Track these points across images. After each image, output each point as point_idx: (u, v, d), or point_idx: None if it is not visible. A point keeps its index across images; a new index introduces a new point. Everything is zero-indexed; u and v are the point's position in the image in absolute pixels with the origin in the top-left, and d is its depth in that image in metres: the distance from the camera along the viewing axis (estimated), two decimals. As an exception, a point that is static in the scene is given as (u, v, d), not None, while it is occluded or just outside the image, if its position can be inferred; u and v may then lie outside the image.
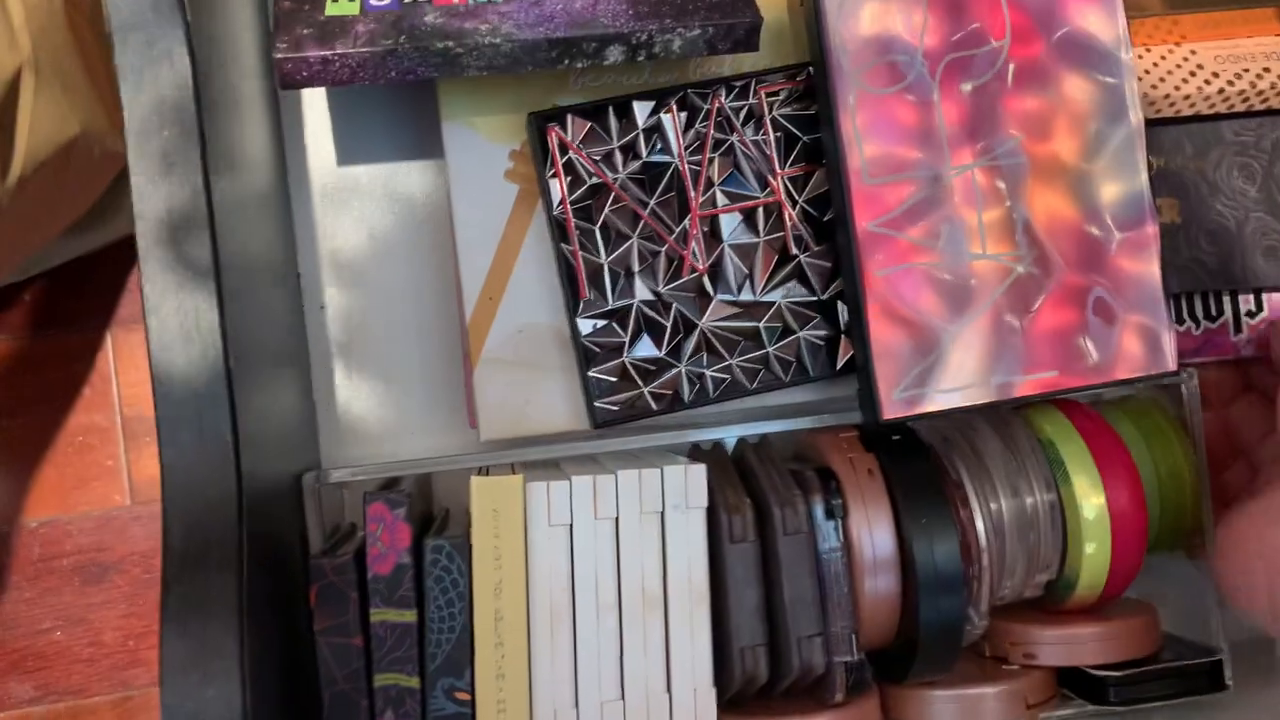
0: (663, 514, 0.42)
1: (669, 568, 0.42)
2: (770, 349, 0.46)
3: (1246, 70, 0.48)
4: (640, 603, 0.42)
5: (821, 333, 0.47)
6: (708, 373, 0.46)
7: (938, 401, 0.44)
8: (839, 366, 0.47)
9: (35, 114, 0.56)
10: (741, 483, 0.44)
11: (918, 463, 0.45)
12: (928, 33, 0.44)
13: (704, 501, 0.42)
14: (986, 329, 0.45)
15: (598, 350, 0.46)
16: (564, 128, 0.45)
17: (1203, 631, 0.50)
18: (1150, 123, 0.47)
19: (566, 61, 0.42)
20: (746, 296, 0.46)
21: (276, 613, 0.38)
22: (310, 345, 0.49)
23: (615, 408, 0.46)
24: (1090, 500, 0.45)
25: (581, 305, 0.45)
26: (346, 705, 0.40)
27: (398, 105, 0.50)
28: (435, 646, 0.40)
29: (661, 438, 0.47)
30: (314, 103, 0.50)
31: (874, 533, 0.43)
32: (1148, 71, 0.48)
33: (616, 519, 0.42)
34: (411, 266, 0.50)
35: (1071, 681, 0.48)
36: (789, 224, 0.46)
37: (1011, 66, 0.45)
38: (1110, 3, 0.45)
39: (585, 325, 0.45)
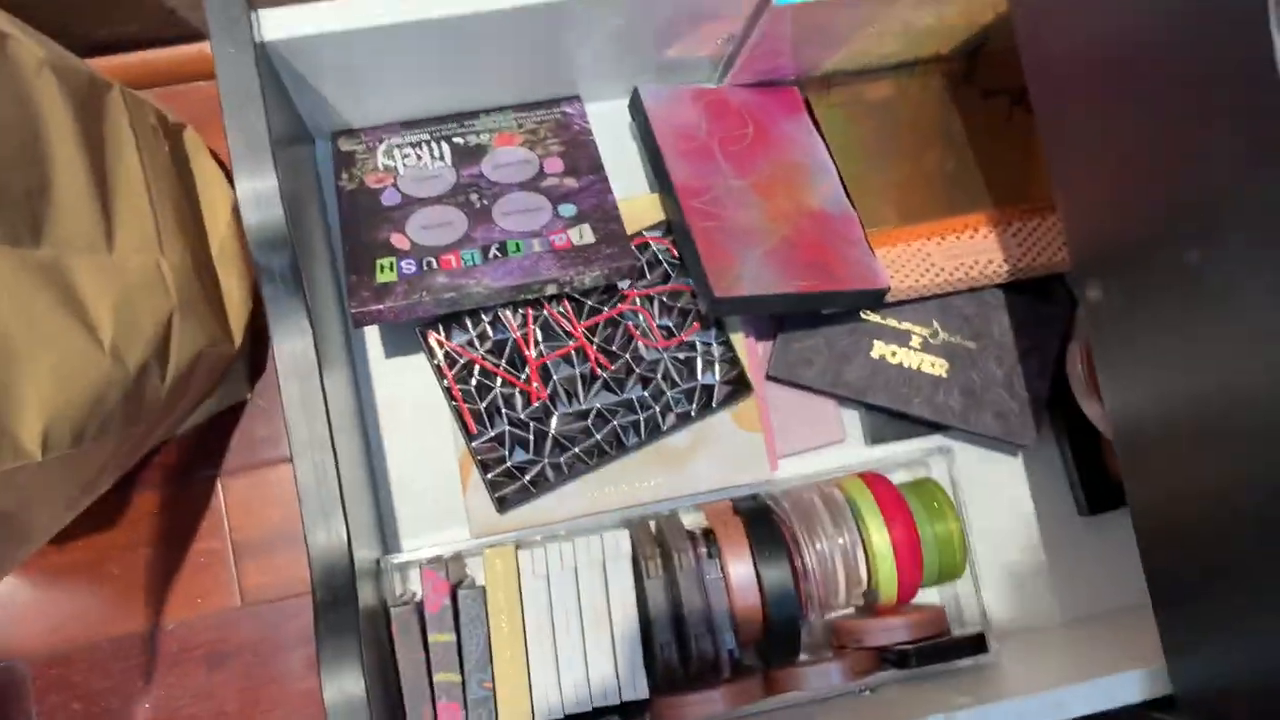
0: (604, 563, 0.68)
1: (610, 597, 0.68)
2: (598, 436, 0.73)
3: (962, 263, 0.75)
4: (594, 620, 0.67)
5: (629, 418, 0.73)
6: (561, 460, 0.72)
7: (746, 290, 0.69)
8: (644, 439, 0.73)
9: (180, 338, 0.83)
10: (656, 541, 0.70)
11: (766, 521, 0.71)
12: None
13: (627, 553, 0.68)
14: (766, 258, 0.71)
15: (489, 463, 0.72)
16: (438, 331, 0.72)
17: (977, 623, 0.75)
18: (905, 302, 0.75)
19: (523, 296, 0.69)
20: (576, 407, 0.73)
21: (374, 640, 0.64)
22: (378, 479, 0.76)
23: (508, 497, 0.71)
24: (880, 536, 0.71)
25: (474, 437, 0.72)
26: (418, 694, 0.65)
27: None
28: (469, 655, 0.65)
29: (609, 515, 0.73)
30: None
31: (739, 566, 0.69)
32: (894, 269, 0.75)
33: (576, 568, 0.67)
34: (425, 422, 0.77)
35: (888, 658, 0.73)
36: (591, 356, 0.73)
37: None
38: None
39: (478, 448, 0.72)
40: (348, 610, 0.60)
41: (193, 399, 0.90)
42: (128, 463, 0.86)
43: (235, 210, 0.91)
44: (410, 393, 0.78)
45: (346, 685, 0.58)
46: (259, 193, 0.60)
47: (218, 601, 0.97)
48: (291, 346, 0.61)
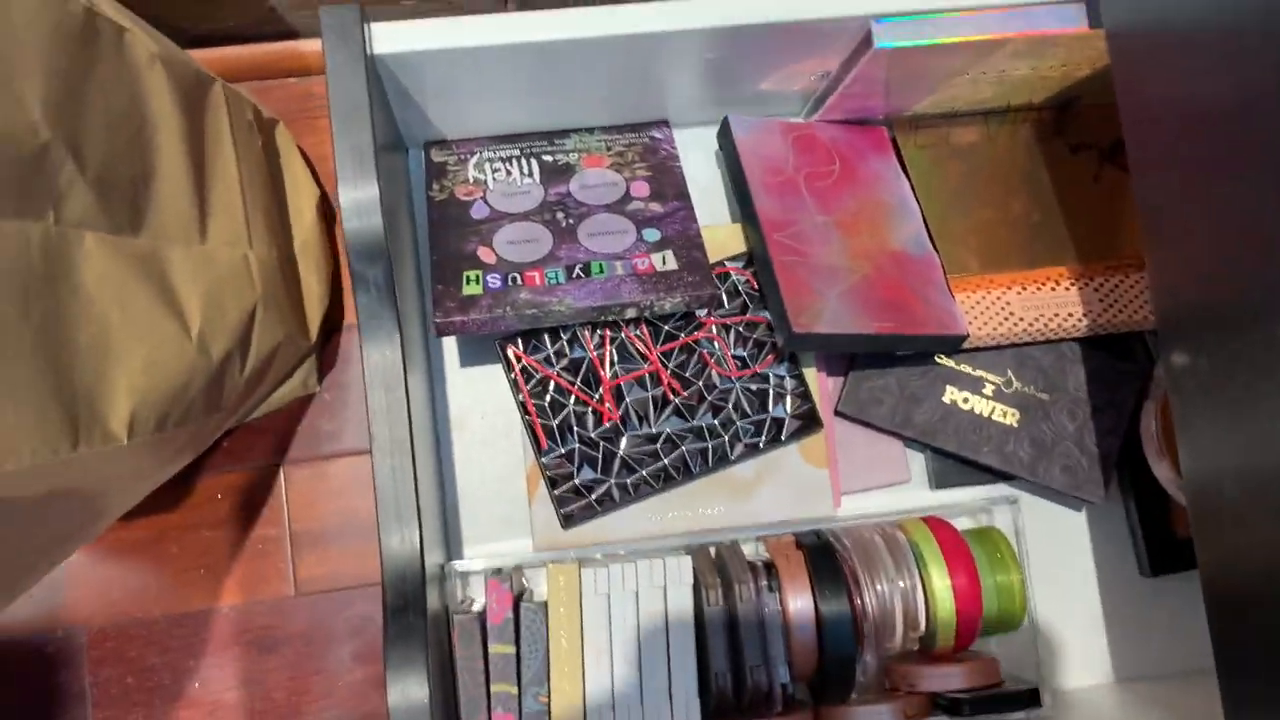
0: (665, 588, 0.68)
1: (669, 622, 0.68)
2: (666, 461, 0.73)
3: (1042, 314, 0.75)
4: (651, 643, 0.68)
5: (697, 445, 0.74)
6: (628, 482, 0.73)
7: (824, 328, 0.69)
8: (710, 467, 0.73)
9: (261, 331, 0.84)
10: (717, 569, 0.71)
11: (829, 558, 0.71)
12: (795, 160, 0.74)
13: (689, 580, 0.68)
14: (846, 296, 0.71)
15: (558, 479, 0.72)
16: (517, 345, 0.73)
17: (1031, 675, 0.74)
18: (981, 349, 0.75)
19: (603, 318, 0.70)
20: (646, 430, 0.73)
21: (436, 644, 0.65)
22: (446, 486, 0.77)
23: (574, 514, 0.72)
24: (941, 581, 0.71)
25: (544, 452, 0.72)
26: (475, 704, 0.66)
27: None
28: (527, 668, 0.66)
29: (670, 540, 0.74)
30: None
31: (798, 601, 0.69)
32: (972, 316, 0.75)
33: (637, 590, 0.68)
34: (494, 433, 0.78)
35: (940, 704, 0.72)
36: (665, 381, 0.73)
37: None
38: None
39: (548, 463, 0.73)
40: (417, 616, 0.61)
41: (266, 389, 0.92)
42: (200, 447, 0.87)
43: (319, 208, 0.93)
44: (480, 402, 0.79)
45: (411, 690, 0.59)
46: (360, 202, 0.61)
47: (273, 589, 0.98)
48: (381, 354, 0.62)
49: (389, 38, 0.64)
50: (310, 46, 0.99)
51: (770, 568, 0.70)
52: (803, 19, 0.66)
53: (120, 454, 0.67)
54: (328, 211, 0.95)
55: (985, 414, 0.77)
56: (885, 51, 0.66)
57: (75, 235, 0.64)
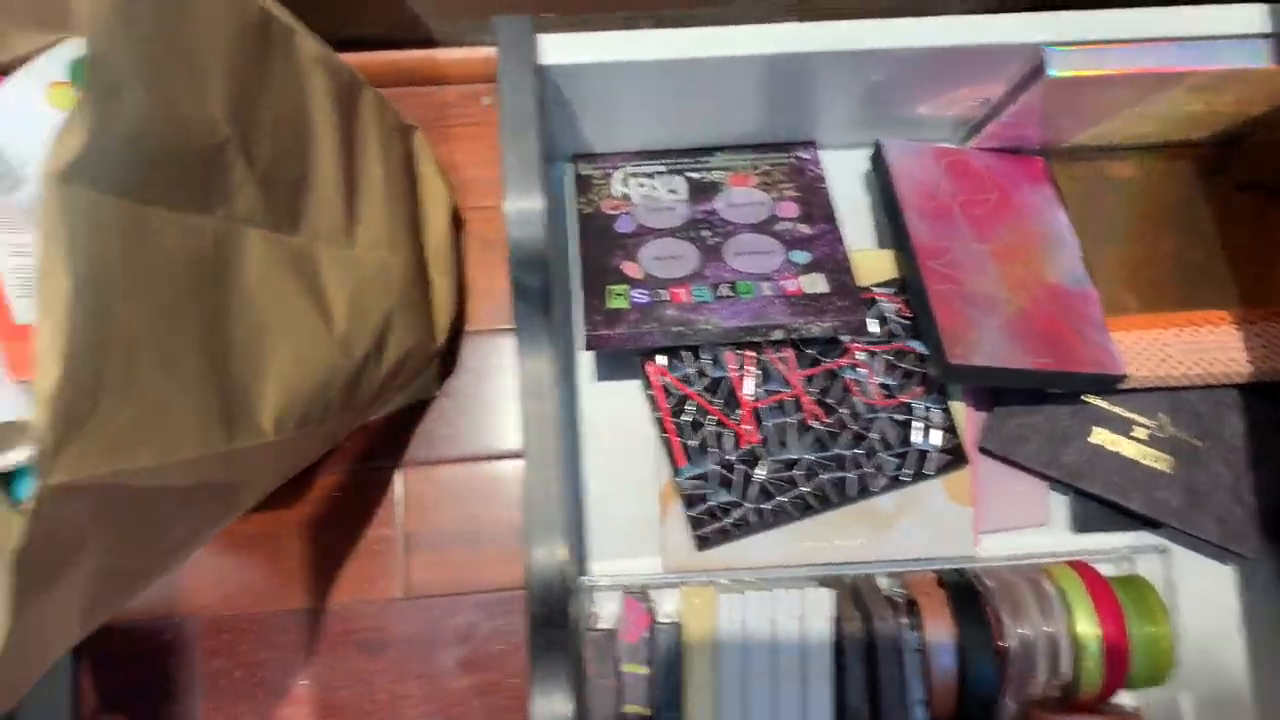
0: (802, 619, 0.67)
1: (806, 654, 0.67)
2: (805, 488, 0.71)
3: (1201, 358, 0.72)
4: (787, 674, 0.66)
5: (838, 475, 0.72)
6: (765, 507, 0.71)
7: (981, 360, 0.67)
8: (852, 498, 0.72)
9: (397, 335, 0.85)
10: (855, 603, 0.69)
11: (973, 597, 0.68)
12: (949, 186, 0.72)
13: (830, 614, 0.67)
14: (1003, 328, 0.69)
15: (694, 499, 0.71)
16: (656, 362, 0.72)
17: (1178, 731, 0.71)
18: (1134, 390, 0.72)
19: (749, 338, 0.69)
20: (785, 456, 0.72)
21: (575, 660, 0.64)
22: (584, 499, 0.77)
23: (708, 536, 0.71)
24: (1088, 630, 0.68)
25: (680, 471, 0.71)
26: (606, 723, 0.65)
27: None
28: (660, 690, 0.65)
29: (804, 570, 0.72)
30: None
31: (940, 640, 0.67)
32: (1128, 356, 0.72)
33: (774, 619, 0.67)
34: (626, 448, 0.78)
35: (1080, 757, 0.70)
36: (807, 407, 0.72)
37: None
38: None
39: (684, 484, 0.71)
40: (561, 629, 0.60)
41: (393, 392, 0.92)
42: (328, 446, 0.88)
43: (452, 215, 0.94)
44: (612, 417, 0.78)
45: (556, 705, 0.58)
46: (524, 213, 0.61)
47: (382, 590, 0.98)
48: (535, 365, 0.62)
49: (557, 49, 0.64)
50: (448, 56, 1.00)
51: (911, 604, 0.68)
52: (977, 44, 0.64)
53: (264, 450, 0.67)
54: (456, 219, 0.96)
55: (1136, 458, 0.74)
56: (1057, 79, 0.64)
57: (241, 231, 0.65)
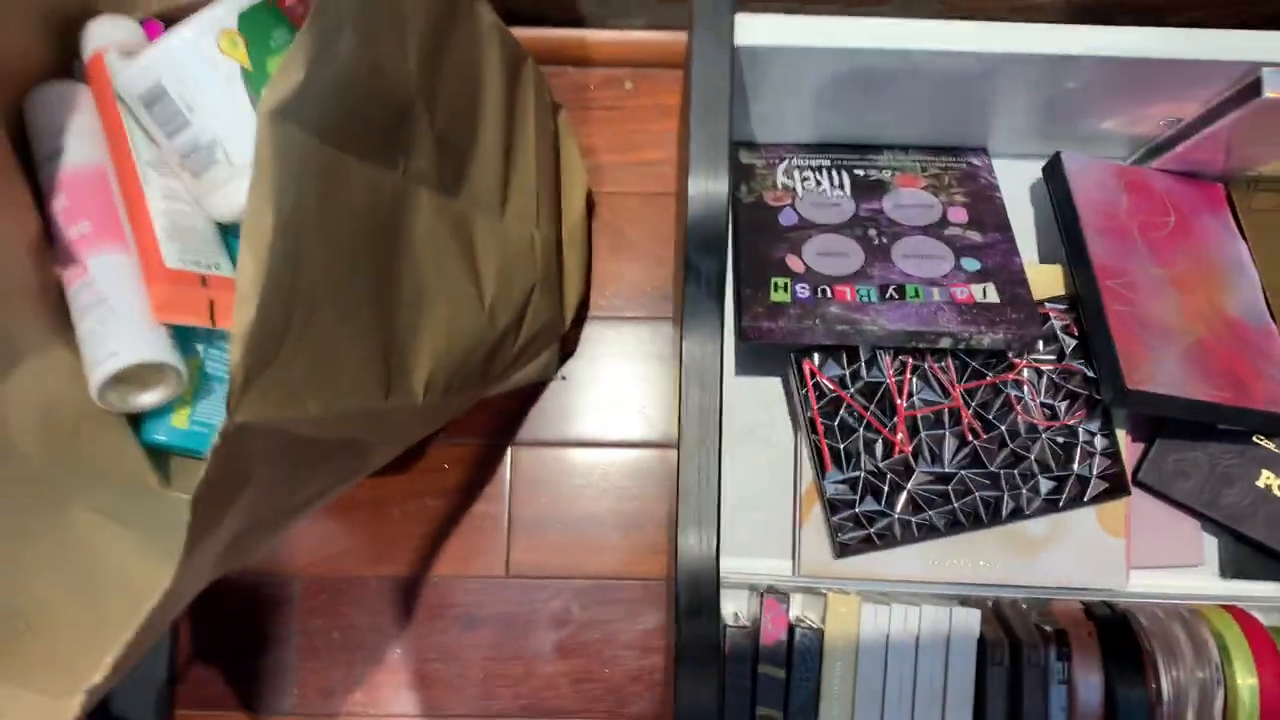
0: (949, 638, 0.64)
1: (949, 677, 0.64)
2: (956, 504, 0.69)
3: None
4: (927, 698, 0.64)
5: (991, 493, 0.69)
6: (913, 520, 0.69)
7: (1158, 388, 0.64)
8: (1003, 518, 0.69)
9: (535, 309, 0.84)
10: (1000, 626, 0.66)
11: (1124, 634, 0.65)
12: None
13: (976, 635, 0.64)
14: (1182, 357, 0.66)
15: (838, 505, 0.69)
16: (813, 360, 0.70)
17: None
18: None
19: (915, 344, 0.67)
20: (938, 469, 0.69)
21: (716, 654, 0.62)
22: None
23: (850, 544, 0.69)
24: (1245, 679, 0.65)
25: (827, 475, 0.69)
26: (737, 724, 0.63)
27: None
28: (795, 695, 0.63)
29: (941, 587, 0.69)
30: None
31: (1088, 677, 0.64)
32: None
33: (919, 636, 0.64)
34: (766, 446, 0.76)
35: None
36: (965, 421, 0.69)
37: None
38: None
39: (830, 489, 0.69)
40: (710, 620, 0.58)
41: (519, 368, 0.91)
42: (455, 415, 0.87)
43: (589, 197, 0.92)
44: (754, 413, 0.76)
45: (702, 696, 0.57)
46: (709, 194, 0.59)
47: (484, 565, 0.97)
48: (701, 349, 0.60)
49: (752, 30, 0.62)
50: (596, 37, 0.98)
51: (1060, 635, 0.66)
52: (1190, 58, 0.61)
53: (409, 412, 0.67)
54: (589, 203, 0.95)
55: (1304, 506, 0.70)
56: (1273, 101, 0.61)
57: (414, 189, 0.64)
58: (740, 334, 0.67)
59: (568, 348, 0.98)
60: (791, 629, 0.64)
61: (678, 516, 0.60)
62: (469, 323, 0.72)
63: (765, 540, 0.75)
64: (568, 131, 0.96)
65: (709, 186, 0.60)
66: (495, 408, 1.00)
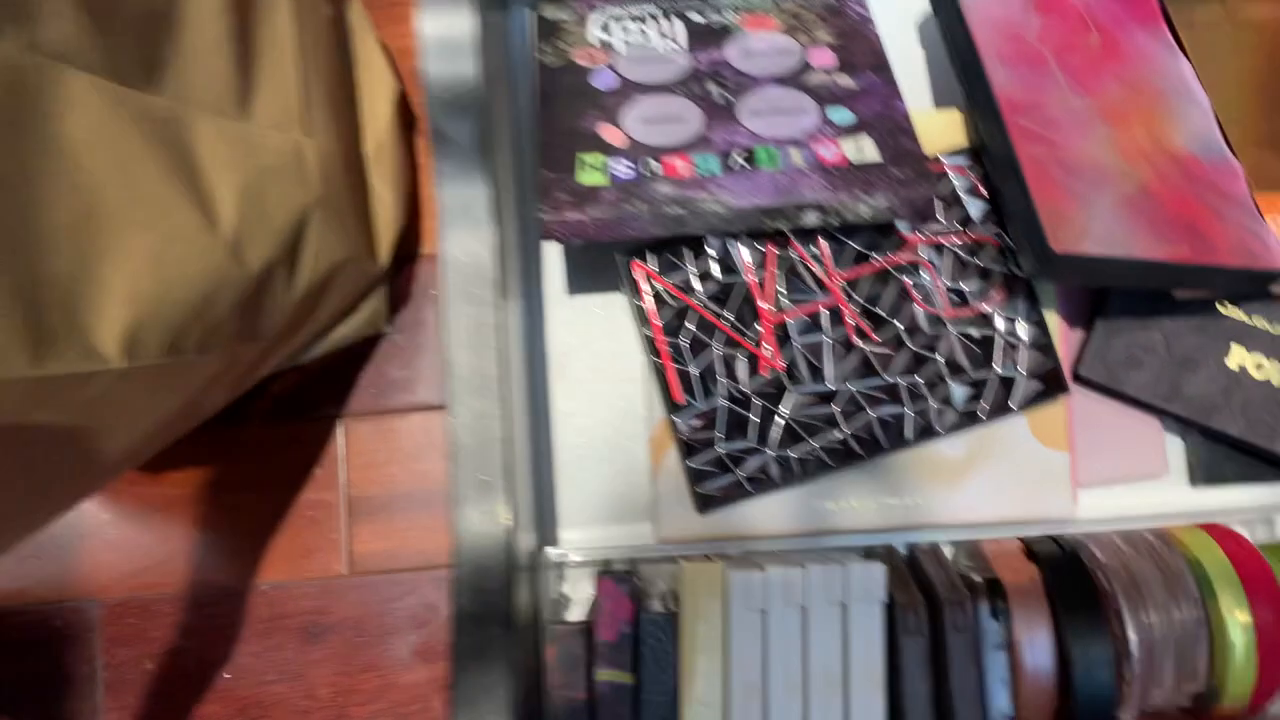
0: (846, 606, 0.49)
1: (850, 654, 0.48)
2: (846, 430, 0.53)
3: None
4: (823, 683, 0.48)
5: (891, 411, 0.53)
6: (793, 456, 0.53)
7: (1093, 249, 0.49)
8: (910, 441, 0.53)
9: (317, 243, 0.67)
10: (916, 584, 0.51)
11: (1076, 576, 0.50)
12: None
13: (883, 596, 0.48)
14: (1120, 208, 0.50)
15: (695, 446, 0.53)
16: (646, 261, 0.54)
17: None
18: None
19: (772, 224, 0.50)
20: (820, 387, 0.53)
21: (522, 664, 0.46)
22: (541, 450, 0.59)
23: (714, 495, 0.53)
24: (1236, 616, 0.50)
25: (678, 408, 0.53)
26: (574, 751, 0.47)
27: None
28: (649, 705, 0.47)
29: (845, 539, 0.54)
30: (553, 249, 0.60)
31: (1034, 636, 0.49)
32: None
33: (806, 606, 0.48)
34: (610, 383, 0.59)
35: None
36: (849, 320, 0.53)
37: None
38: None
39: (683, 426, 0.53)
40: (498, 626, 0.42)
41: (324, 321, 0.75)
42: (240, 387, 0.71)
43: (398, 106, 0.76)
44: (592, 342, 0.60)
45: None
46: (448, 41, 0.43)
47: (322, 565, 0.83)
48: (464, 246, 0.43)
49: None
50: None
51: (994, 586, 0.50)
52: None
53: (115, 381, 0.50)
54: (408, 114, 0.79)
55: (1288, 387, 0.55)
56: None
57: (56, 70, 0.47)
58: (542, 232, 0.50)
59: (400, 294, 0.82)
60: (637, 617, 0.48)
61: (451, 483, 0.43)
62: (195, 257, 0.55)
63: (623, 503, 0.59)
64: (362, 25, 0.79)
65: (447, 30, 0.42)
66: (319, 374, 0.84)
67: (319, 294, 0.71)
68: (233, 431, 0.85)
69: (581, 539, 0.58)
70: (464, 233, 0.43)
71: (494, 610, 0.42)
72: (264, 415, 0.85)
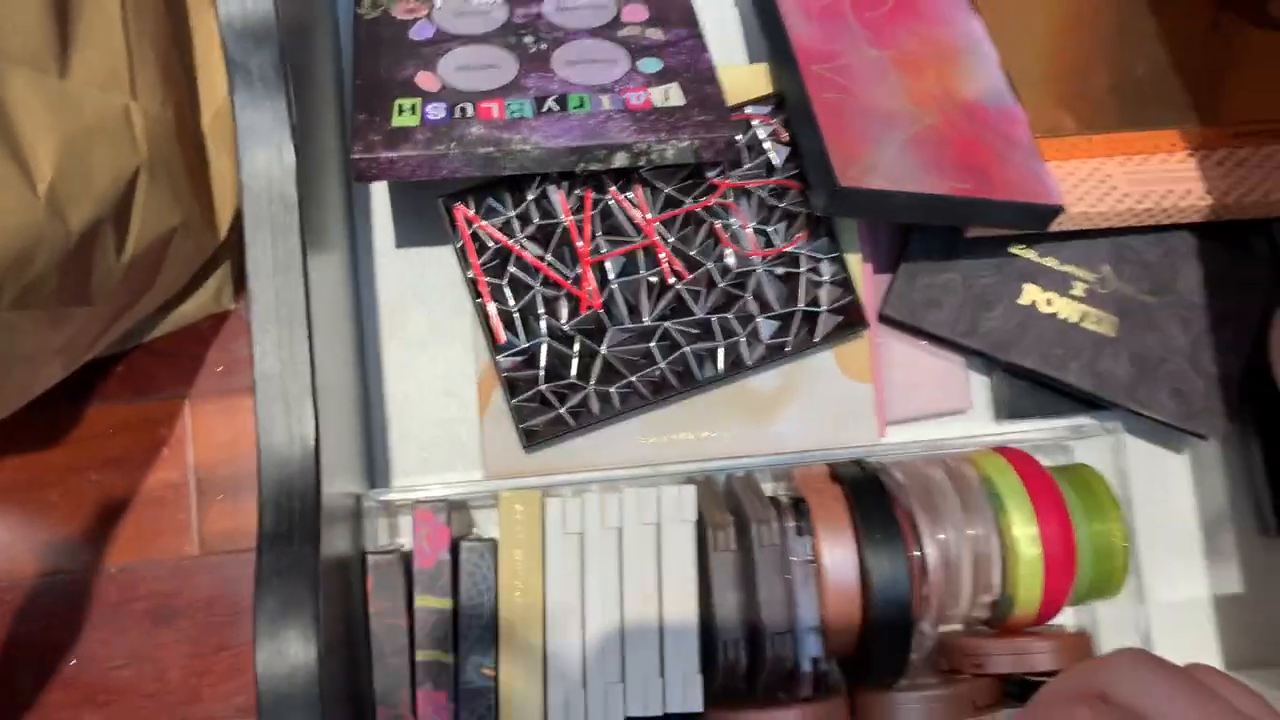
0: (659, 526, 0.50)
1: (663, 572, 0.50)
2: (662, 364, 0.55)
3: (1151, 190, 0.58)
4: (639, 600, 0.50)
5: (704, 345, 0.56)
6: (612, 390, 0.55)
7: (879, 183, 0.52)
8: (721, 374, 0.56)
9: (146, 207, 0.67)
10: (728, 506, 0.53)
11: (876, 495, 0.53)
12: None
13: (693, 517, 0.51)
14: (909, 146, 0.54)
15: (518, 384, 0.55)
16: (467, 205, 0.55)
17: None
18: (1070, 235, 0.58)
19: (582, 165, 0.52)
20: (637, 324, 0.55)
21: (340, 594, 0.47)
22: (370, 389, 0.59)
23: (537, 429, 0.55)
24: (1025, 530, 0.53)
25: (500, 348, 0.55)
26: (394, 677, 0.48)
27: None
28: (467, 630, 0.48)
29: (666, 469, 0.56)
30: (379, 194, 0.61)
31: (837, 551, 0.51)
32: (1065, 190, 0.57)
33: (621, 529, 0.50)
34: (447, 329, 0.60)
35: (1012, 691, 0.55)
36: (663, 260, 0.56)
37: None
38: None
39: (505, 364, 0.55)
40: (305, 544, 0.43)
41: (161, 292, 0.74)
42: (73, 359, 0.70)
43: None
44: (422, 290, 0.61)
45: (290, 649, 0.41)
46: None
47: (171, 546, 0.81)
48: (266, 171, 0.44)
49: None
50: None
51: (799, 505, 0.53)
52: None
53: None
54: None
55: (1075, 320, 0.59)
56: None
57: None
58: (353, 172, 0.51)
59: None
60: (455, 544, 0.49)
61: (255, 410, 0.44)
62: (9, 210, 0.55)
63: (454, 448, 0.60)
64: (200, -4, 0.77)
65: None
66: (164, 353, 0.82)
67: (156, 262, 0.70)
68: (77, 414, 0.83)
69: (417, 485, 0.59)
70: (261, 154, 0.44)
71: (300, 529, 0.43)
72: (109, 396, 0.83)
